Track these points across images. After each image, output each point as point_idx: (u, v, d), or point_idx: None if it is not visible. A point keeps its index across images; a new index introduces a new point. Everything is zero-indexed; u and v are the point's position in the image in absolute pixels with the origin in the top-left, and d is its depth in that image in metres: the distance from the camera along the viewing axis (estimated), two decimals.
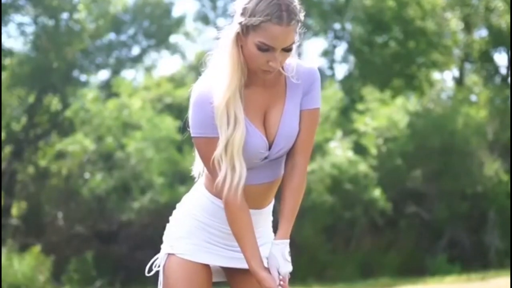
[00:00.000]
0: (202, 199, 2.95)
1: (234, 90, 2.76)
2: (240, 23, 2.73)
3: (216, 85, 2.77)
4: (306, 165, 2.90)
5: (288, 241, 2.83)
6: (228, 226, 2.84)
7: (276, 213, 2.96)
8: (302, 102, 2.87)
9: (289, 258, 2.82)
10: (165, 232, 3.06)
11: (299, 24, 2.75)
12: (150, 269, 3.07)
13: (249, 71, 2.80)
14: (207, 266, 2.95)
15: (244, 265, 2.84)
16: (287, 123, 2.84)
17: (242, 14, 2.72)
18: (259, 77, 2.80)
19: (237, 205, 2.78)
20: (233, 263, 2.95)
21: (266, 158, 2.84)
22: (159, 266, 3.02)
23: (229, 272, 3.01)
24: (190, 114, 2.78)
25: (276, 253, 2.79)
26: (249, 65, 2.76)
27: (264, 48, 2.70)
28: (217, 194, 2.83)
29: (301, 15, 2.76)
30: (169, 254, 2.98)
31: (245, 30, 2.72)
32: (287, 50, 2.72)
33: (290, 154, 2.89)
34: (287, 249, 2.82)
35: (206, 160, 2.80)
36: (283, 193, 2.87)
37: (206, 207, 2.93)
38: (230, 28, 2.77)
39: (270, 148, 2.84)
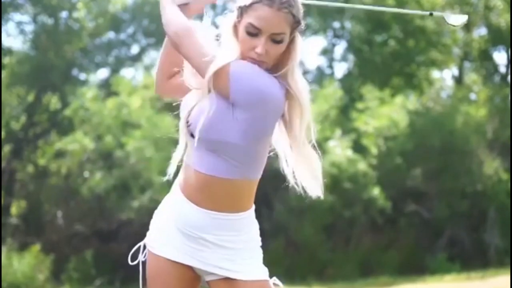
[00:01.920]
0: (171, 195, 3.07)
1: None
2: (237, 7, 2.78)
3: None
4: None
5: None
6: (191, 228, 2.87)
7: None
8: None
9: None
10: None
11: (294, 18, 2.74)
12: (134, 258, 3.09)
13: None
14: (188, 269, 2.92)
15: (208, 269, 2.86)
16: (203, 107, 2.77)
17: None
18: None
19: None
20: (197, 263, 2.90)
21: (189, 125, 2.80)
22: (144, 256, 3.04)
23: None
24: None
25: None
26: (242, 54, 2.76)
27: (252, 32, 2.70)
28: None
29: (297, 11, 2.75)
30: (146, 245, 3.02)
31: (240, 13, 2.76)
32: (276, 41, 2.71)
33: None
34: None
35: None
36: None
37: (172, 201, 3.04)
38: (230, 15, 2.82)
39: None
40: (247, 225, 2.88)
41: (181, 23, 2.78)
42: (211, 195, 2.81)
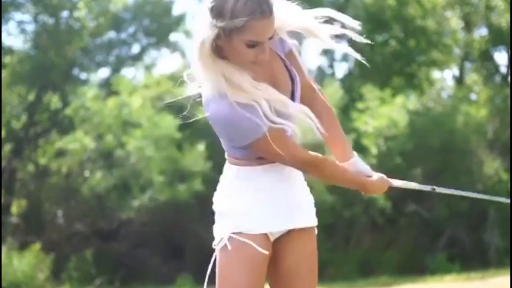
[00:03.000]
0: (233, 173, 2.91)
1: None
2: (219, 27, 2.64)
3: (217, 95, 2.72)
4: (324, 99, 3.04)
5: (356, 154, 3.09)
6: (272, 181, 2.90)
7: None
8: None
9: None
10: (219, 213, 2.91)
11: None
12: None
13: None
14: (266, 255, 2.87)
15: (305, 223, 3.00)
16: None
17: (219, 16, 2.63)
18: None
19: (310, 156, 2.91)
20: (295, 223, 2.96)
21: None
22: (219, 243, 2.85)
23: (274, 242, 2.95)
24: (232, 129, 2.72)
25: (359, 165, 3.13)
26: (234, 61, 2.72)
27: (253, 45, 2.66)
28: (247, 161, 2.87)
29: None
30: (232, 234, 2.84)
31: (227, 33, 2.65)
32: (271, 38, 2.72)
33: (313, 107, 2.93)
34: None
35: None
36: (326, 126, 2.98)
37: (240, 176, 2.89)
38: (202, 33, 2.67)
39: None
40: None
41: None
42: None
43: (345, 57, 20.83)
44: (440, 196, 16.36)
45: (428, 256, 15.89)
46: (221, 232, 2.86)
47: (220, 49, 2.71)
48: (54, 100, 18.03)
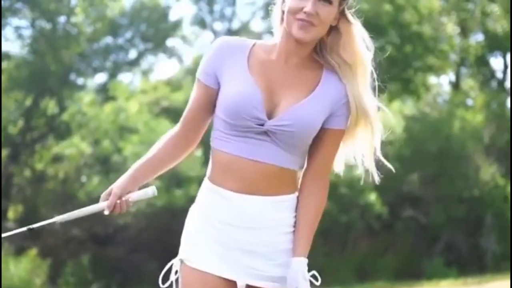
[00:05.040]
0: (204, 190, 2.72)
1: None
2: None
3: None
4: (326, 186, 2.81)
5: (306, 260, 2.70)
6: (235, 219, 2.61)
7: None
8: (328, 119, 2.67)
9: (307, 277, 2.69)
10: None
11: None
12: (165, 279, 2.74)
13: (286, 43, 2.66)
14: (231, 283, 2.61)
15: (264, 283, 2.61)
16: (304, 109, 2.61)
17: None
18: (295, 52, 2.65)
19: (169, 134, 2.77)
20: (249, 278, 2.62)
21: (262, 125, 2.59)
22: (176, 273, 2.71)
23: None
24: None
25: (294, 272, 2.64)
26: (288, 28, 2.63)
27: None
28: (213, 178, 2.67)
29: None
30: (181, 261, 2.70)
31: None
32: (325, 0, 2.62)
33: (308, 174, 2.70)
34: (305, 267, 2.69)
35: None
36: (300, 212, 2.72)
37: (208, 198, 2.67)
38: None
39: (270, 118, 2.59)
40: (270, 209, 2.67)
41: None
42: (257, 179, 2.63)
43: None
44: (437, 201, 16.38)
45: (424, 261, 15.91)
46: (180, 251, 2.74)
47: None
48: (51, 105, 18.03)
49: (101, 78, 20.50)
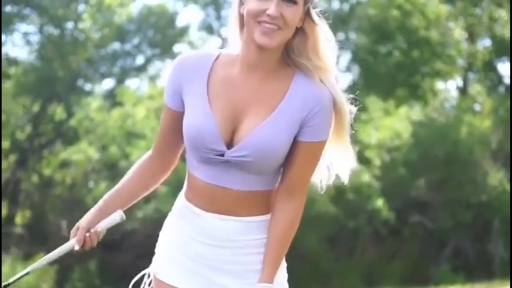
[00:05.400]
0: (178, 204, 2.67)
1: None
2: None
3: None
4: (299, 204, 2.49)
5: (271, 285, 2.46)
6: (204, 236, 2.52)
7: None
8: (300, 131, 2.44)
9: None
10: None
11: None
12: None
13: (248, 51, 2.44)
14: None
15: None
16: (264, 133, 2.41)
17: None
18: (259, 62, 2.43)
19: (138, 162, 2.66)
20: None
21: (222, 155, 2.45)
22: (150, 284, 2.71)
23: None
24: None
25: None
26: (249, 34, 2.41)
27: None
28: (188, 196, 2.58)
29: None
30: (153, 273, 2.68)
31: None
32: (290, 0, 2.39)
33: (281, 189, 2.48)
34: None
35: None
36: (268, 230, 2.49)
37: (180, 213, 2.62)
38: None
39: (230, 146, 2.44)
40: (245, 229, 2.55)
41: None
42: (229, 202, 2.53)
43: (349, 68, 20.87)
44: (444, 207, 16.35)
45: (432, 267, 15.87)
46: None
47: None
48: (58, 111, 18.07)
49: (108, 83, 20.57)
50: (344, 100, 2.60)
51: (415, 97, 19.04)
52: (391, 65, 19.22)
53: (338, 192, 15.48)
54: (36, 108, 18.06)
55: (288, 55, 2.49)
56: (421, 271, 15.84)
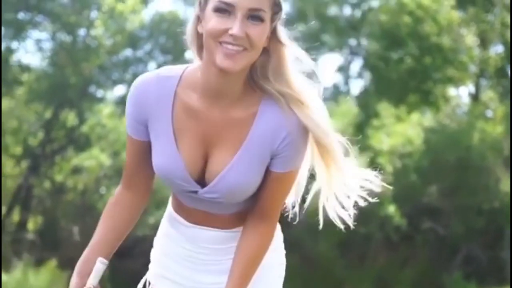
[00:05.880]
0: (167, 215, 2.64)
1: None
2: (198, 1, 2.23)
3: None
4: (270, 229, 2.35)
5: None
6: (189, 243, 2.48)
7: None
8: (271, 162, 2.27)
9: None
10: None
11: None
12: None
13: (208, 76, 2.20)
14: None
15: None
16: (233, 175, 2.26)
17: None
18: (222, 88, 2.20)
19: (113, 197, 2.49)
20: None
21: (196, 192, 2.34)
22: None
23: None
24: None
25: None
26: (210, 56, 2.16)
27: (222, 8, 2.10)
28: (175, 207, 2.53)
29: None
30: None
31: (203, 2, 2.19)
32: (256, 18, 2.11)
33: (253, 211, 2.35)
34: None
35: None
36: (236, 251, 2.36)
37: (170, 220, 2.59)
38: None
39: (202, 184, 2.32)
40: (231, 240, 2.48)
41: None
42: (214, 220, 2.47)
43: (360, 74, 20.87)
44: (456, 213, 16.30)
45: (444, 273, 15.82)
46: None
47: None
48: (70, 117, 18.13)
49: (120, 90, 20.62)
50: (324, 130, 2.24)
51: (427, 103, 19.01)
52: (403, 71, 19.20)
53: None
54: (48, 114, 18.11)
55: (251, 78, 2.25)
56: (433, 277, 15.79)
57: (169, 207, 2.60)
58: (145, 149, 2.39)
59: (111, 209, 2.49)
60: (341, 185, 2.46)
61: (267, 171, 2.28)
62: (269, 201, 2.33)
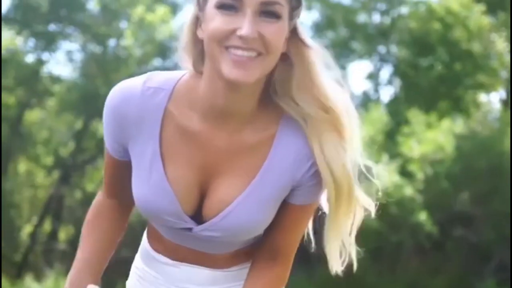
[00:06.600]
0: (141, 249, 2.32)
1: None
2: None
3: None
4: (283, 272, 1.95)
5: None
6: (172, 285, 2.10)
7: None
8: (291, 193, 1.86)
9: None
10: None
11: None
12: None
13: (213, 93, 1.75)
14: None
15: None
16: (241, 213, 1.81)
17: None
18: (230, 108, 1.74)
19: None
20: None
21: (190, 230, 1.91)
22: None
23: None
24: None
25: None
26: (214, 65, 1.71)
27: (227, 4, 1.64)
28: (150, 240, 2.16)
29: None
30: None
31: (202, 1, 1.74)
32: (270, 14, 1.64)
33: (262, 251, 1.94)
34: None
35: None
36: None
37: (146, 258, 2.23)
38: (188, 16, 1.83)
39: (198, 219, 1.89)
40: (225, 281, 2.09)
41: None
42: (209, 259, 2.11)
43: (390, 81, 20.80)
44: (488, 220, 16.17)
45: (476, 281, 15.69)
46: None
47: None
48: (100, 128, 18.21)
49: None
50: (348, 170, 1.87)
51: (458, 109, 18.91)
52: (433, 78, 19.12)
53: (381, 206, 15.38)
54: (79, 124, 18.25)
55: (267, 91, 1.79)
56: (465, 285, 15.67)
57: (145, 242, 2.21)
58: (126, 167, 1.95)
59: (95, 220, 2.09)
60: (346, 234, 2.14)
61: (283, 204, 1.88)
62: (285, 238, 1.92)
